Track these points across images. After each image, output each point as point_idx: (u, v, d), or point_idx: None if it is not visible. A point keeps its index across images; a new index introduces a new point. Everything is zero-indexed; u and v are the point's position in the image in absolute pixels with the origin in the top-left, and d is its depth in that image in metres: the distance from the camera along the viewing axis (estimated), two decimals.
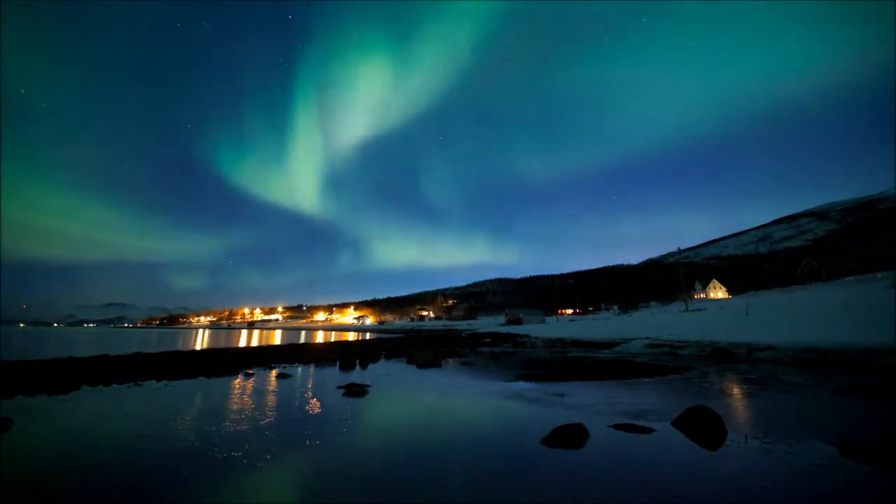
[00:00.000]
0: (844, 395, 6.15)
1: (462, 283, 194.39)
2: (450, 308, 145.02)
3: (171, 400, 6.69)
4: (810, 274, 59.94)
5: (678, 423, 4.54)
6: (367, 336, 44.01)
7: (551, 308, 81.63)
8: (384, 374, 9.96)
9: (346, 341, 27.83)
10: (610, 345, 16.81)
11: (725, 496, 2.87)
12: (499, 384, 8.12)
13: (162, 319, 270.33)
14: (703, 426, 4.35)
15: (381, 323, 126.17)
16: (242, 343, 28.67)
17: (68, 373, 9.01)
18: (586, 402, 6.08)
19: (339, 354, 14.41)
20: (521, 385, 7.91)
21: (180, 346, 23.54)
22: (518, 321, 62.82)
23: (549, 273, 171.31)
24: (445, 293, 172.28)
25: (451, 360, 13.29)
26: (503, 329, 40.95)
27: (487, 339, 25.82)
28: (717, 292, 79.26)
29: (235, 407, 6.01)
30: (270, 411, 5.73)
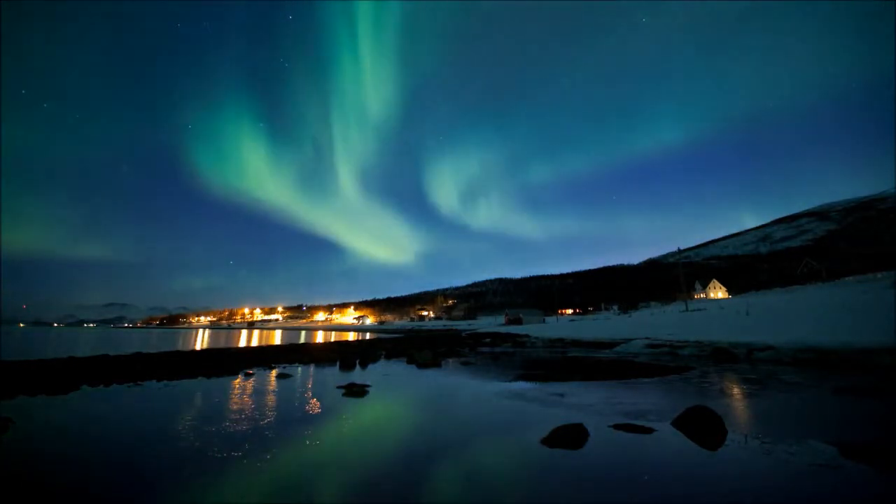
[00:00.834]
0: (844, 395, 6.15)
1: (462, 283, 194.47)
2: (450, 308, 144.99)
3: (171, 400, 6.69)
4: (810, 274, 59.94)
5: (678, 423, 4.54)
6: (367, 336, 44.00)
7: (551, 308, 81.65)
8: (384, 374, 9.96)
9: (346, 341, 27.83)
10: (610, 345, 16.81)
11: (725, 496, 2.87)
12: (499, 384, 8.11)
13: (162, 319, 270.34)
14: (703, 426, 4.35)
15: (381, 323, 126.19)
16: (242, 343, 28.67)
17: (68, 373, 9.01)
18: (586, 402, 6.08)
19: (339, 354, 14.41)
20: (521, 385, 7.90)
21: (180, 346, 23.55)
22: (518, 321, 62.84)
23: (549, 273, 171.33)
24: (445, 293, 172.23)
25: (451, 360, 13.29)
26: (503, 329, 40.96)
27: (487, 339, 25.82)
28: (717, 292, 79.26)
29: (235, 407, 6.01)
30: (270, 411, 5.73)
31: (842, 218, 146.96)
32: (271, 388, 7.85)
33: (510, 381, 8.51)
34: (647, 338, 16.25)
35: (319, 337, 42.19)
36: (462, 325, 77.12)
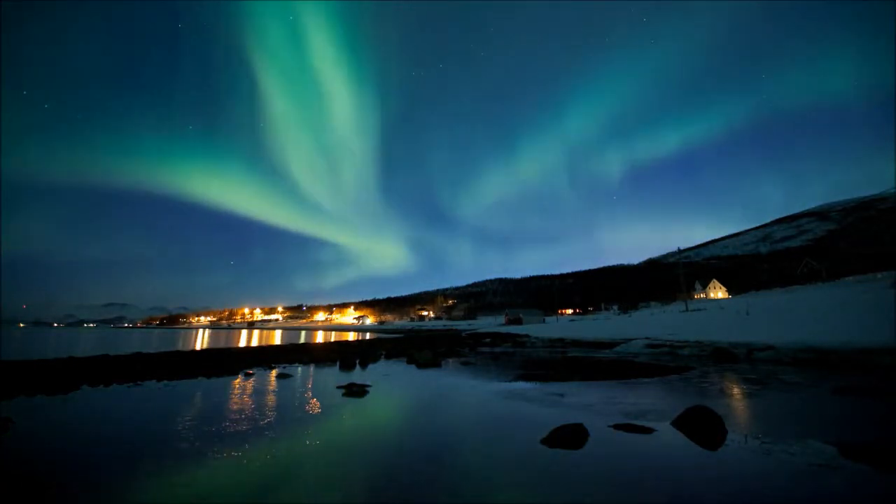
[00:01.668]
0: (844, 395, 6.15)
1: (462, 283, 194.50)
2: (450, 308, 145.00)
3: (171, 400, 6.69)
4: (810, 274, 59.93)
5: (678, 423, 4.54)
6: (367, 336, 44.01)
7: (551, 308, 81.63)
8: (384, 374, 9.96)
9: (346, 341, 27.83)
10: (610, 345, 16.81)
11: (725, 496, 2.87)
12: (499, 384, 8.11)
13: (162, 319, 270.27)
14: (703, 426, 4.35)
15: (381, 323, 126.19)
16: (242, 343, 28.67)
17: (68, 373, 9.01)
18: (586, 402, 6.08)
19: (339, 354, 14.41)
20: (521, 385, 7.90)
21: (180, 346, 23.55)
22: (518, 321, 62.84)
23: (549, 273, 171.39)
24: (445, 293, 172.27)
25: (451, 360, 13.29)
26: (503, 329, 40.96)
27: (487, 339, 25.82)
28: (717, 292, 79.26)
29: (235, 407, 6.01)
30: (270, 411, 5.73)
31: (842, 218, 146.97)
32: (271, 388, 7.85)
33: (510, 381, 8.51)
34: (647, 338, 16.25)
35: (319, 337, 42.19)
36: (462, 325, 77.11)
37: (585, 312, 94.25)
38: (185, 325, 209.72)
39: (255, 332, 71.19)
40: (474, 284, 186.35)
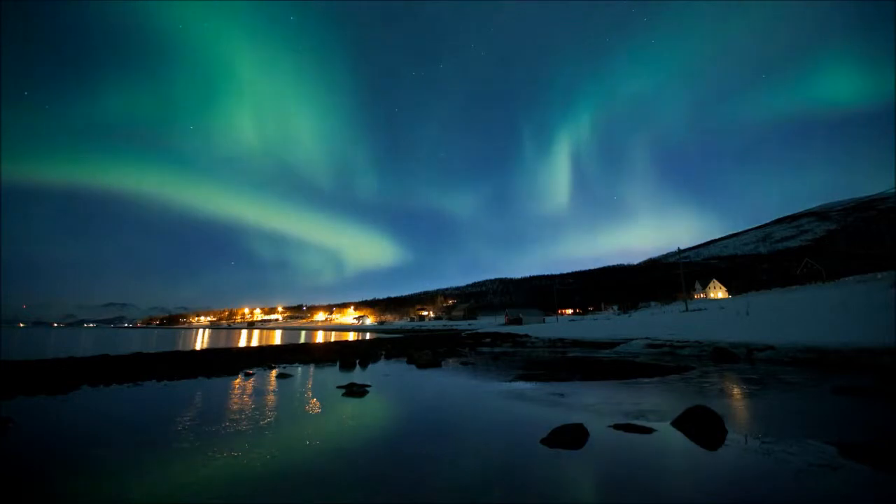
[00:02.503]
0: (844, 395, 6.15)
1: (462, 283, 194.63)
2: (450, 308, 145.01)
3: (171, 400, 6.69)
4: (810, 274, 59.88)
5: (678, 423, 4.54)
6: (367, 336, 43.99)
7: (551, 308, 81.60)
8: (384, 375, 9.96)
9: (346, 341, 27.82)
10: (610, 345, 16.80)
11: (725, 496, 2.87)
12: (499, 384, 8.11)
13: (162, 319, 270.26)
14: (703, 426, 4.35)
15: (381, 323, 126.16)
16: (242, 343, 28.66)
17: (68, 373, 9.01)
18: (586, 402, 6.08)
19: (339, 354, 14.41)
20: (521, 385, 7.90)
21: (180, 346, 23.54)
22: (518, 321, 62.80)
23: (549, 273, 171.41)
24: (445, 293, 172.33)
25: (451, 360, 13.29)
26: (503, 329, 40.94)
27: (487, 339, 25.81)
28: (717, 292, 79.26)
29: (235, 407, 6.01)
30: (270, 411, 5.73)
31: (842, 218, 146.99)
32: (271, 388, 7.85)
33: (510, 381, 8.51)
34: (647, 338, 16.25)
35: (319, 337, 42.18)
36: (462, 325, 77.08)
37: (585, 312, 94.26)
38: (185, 325, 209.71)
39: (255, 332, 71.17)
40: (474, 284, 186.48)
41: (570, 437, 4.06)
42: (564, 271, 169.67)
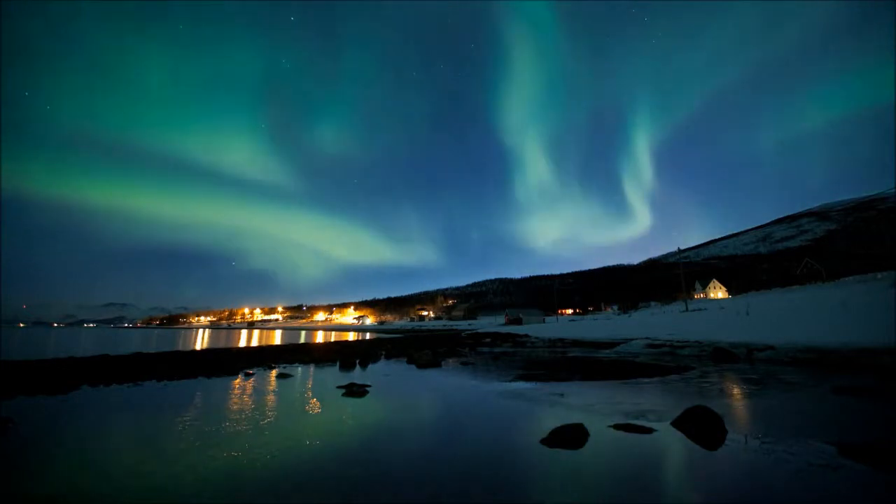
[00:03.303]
0: (844, 395, 6.15)
1: (462, 283, 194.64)
2: (450, 308, 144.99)
3: (171, 400, 6.69)
4: (810, 274, 59.87)
5: (678, 423, 4.54)
6: (367, 336, 43.98)
7: (551, 308, 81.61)
8: (384, 375, 9.95)
9: (346, 341, 27.81)
10: (610, 345, 16.80)
11: (725, 496, 2.87)
12: (499, 384, 8.11)
13: (162, 319, 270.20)
14: (703, 426, 4.35)
15: (381, 323, 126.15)
16: (242, 343, 28.65)
17: (68, 373, 9.01)
18: (586, 402, 6.08)
19: (339, 354, 14.41)
20: (521, 385, 7.90)
21: (180, 346, 23.54)
22: (518, 321, 62.79)
23: (549, 273, 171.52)
24: (445, 293, 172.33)
25: (451, 360, 13.29)
26: (503, 329, 40.92)
27: (487, 339, 25.80)
28: (717, 292, 79.25)
29: (235, 407, 6.01)
30: (270, 411, 5.73)
31: (842, 218, 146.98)
32: (271, 388, 7.85)
33: (510, 381, 8.51)
34: (647, 338, 16.25)
35: (319, 337, 42.17)
36: (462, 325, 77.04)
37: (585, 312, 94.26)
38: (185, 325, 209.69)
39: (255, 332, 71.17)
40: (474, 284, 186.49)
41: (570, 437, 4.07)
42: (564, 271, 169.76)
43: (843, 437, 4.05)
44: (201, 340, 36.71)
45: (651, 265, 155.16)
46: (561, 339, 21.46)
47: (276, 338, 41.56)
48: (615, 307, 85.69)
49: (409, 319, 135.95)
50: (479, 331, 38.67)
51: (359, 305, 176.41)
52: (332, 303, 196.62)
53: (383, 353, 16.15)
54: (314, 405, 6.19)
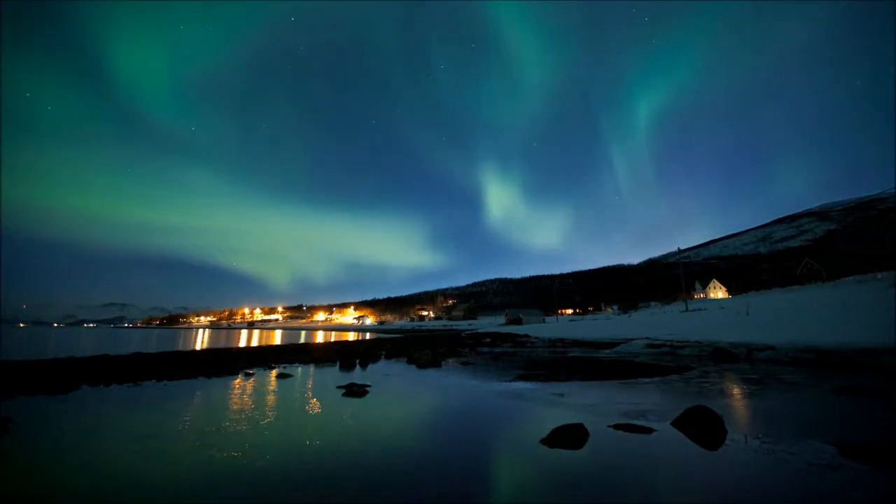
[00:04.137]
0: (844, 395, 6.15)
1: (462, 283, 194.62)
2: (450, 308, 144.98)
3: (171, 400, 6.69)
4: (810, 274, 59.87)
5: (678, 423, 4.54)
6: (367, 336, 43.99)
7: (551, 308, 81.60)
8: (384, 374, 9.95)
9: (346, 341, 27.81)
10: (610, 345, 16.80)
11: (725, 496, 2.87)
12: (499, 384, 8.11)
13: (162, 319, 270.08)
14: (703, 426, 4.35)
15: (381, 323, 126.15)
16: (242, 343, 28.65)
17: (68, 373, 9.01)
18: (586, 402, 6.08)
19: (339, 354, 14.41)
20: (521, 385, 7.90)
21: (180, 346, 23.53)
22: (518, 321, 62.79)
23: (549, 273, 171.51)
24: (445, 293, 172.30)
25: (451, 360, 13.29)
26: (503, 329, 40.92)
27: (487, 339, 25.80)
28: (717, 292, 79.24)
29: (235, 407, 6.01)
30: (270, 411, 5.73)
31: (842, 218, 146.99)
32: (271, 388, 7.84)
33: (510, 381, 8.51)
34: (647, 338, 16.25)
35: (319, 337, 42.18)
36: (462, 325, 77.04)
37: (585, 312, 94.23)
38: (185, 325, 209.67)
39: (255, 332, 71.17)
40: (474, 284, 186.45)
41: (570, 437, 4.06)
42: (564, 271, 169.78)
43: (843, 437, 4.05)
44: (201, 340, 36.71)
45: (651, 265, 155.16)
46: (561, 339, 21.47)
47: (276, 338, 41.56)
48: (615, 307, 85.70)
49: (409, 319, 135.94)
50: (479, 331, 38.67)
51: (359, 305, 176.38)
52: (332, 303, 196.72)
53: (383, 353, 16.15)
54: (314, 405, 6.19)
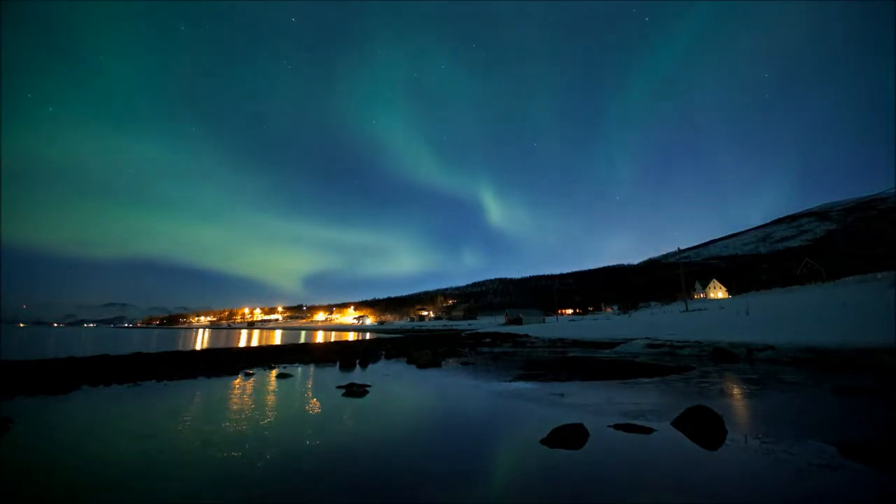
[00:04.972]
0: (844, 395, 6.15)
1: (462, 283, 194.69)
2: (450, 308, 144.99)
3: (171, 400, 6.69)
4: (810, 274, 59.89)
5: (678, 423, 4.54)
6: (367, 336, 43.98)
7: (551, 308, 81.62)
8: (384, 375, 9.95)
9: (346, 341, 27.81)
10: (610, 345, 16.80)
11: (725, 496, 2.87)
12: (499, 384, 8.11)
13: (162, 319, 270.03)
14: (703, 426, 4.35)
15: (381, 323, 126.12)
16: (242, 343, 28.65)
17: (68, 373, 9.01)
18: (586, 402, 6.08)
19: (339, 354, 14.40)
20: (521, 385, 7.90)
21: (180, 346, 23.53)
22: (518, 321, 62.79)
23: (549, 273, 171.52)
24: (445, 293, 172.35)
25: (451, 360, 13.28)
26: (503, 329, 40.92)
27: (487, 339, 25.80)
28: (717, 292, 79.25)
29: (235, 407, 6.01)
30: (270, 411, 5.73)
31: (842, 218, 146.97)
32: (271, 388, 7.84)
33: (510, 381, 8.51)
34: (647, 338, 16.25)
35: (319, 337, 42.17)
36: (462, 325, 77.03)
37: (585, 312, 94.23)
38: (185, 325, 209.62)
39: (255, 332, 71.16)
40: (474, 284, 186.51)
41: (570, 437, 4.06)
42: (564, 271, 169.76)
43: (843, 437, 4.05)
44: (201, 340, 36.71)
45: (651, 265, 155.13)
46: (561, 339, 21.47)
47: (276, 338, 41.56)
48: (615, 307, 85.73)
49: (409, 319, 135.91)
50: (479, 331, 38.66)
51: (359, 305, 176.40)
52: (332, 303, 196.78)
53: (383, 353, 16.15)
54: (314, 405, 6.19)
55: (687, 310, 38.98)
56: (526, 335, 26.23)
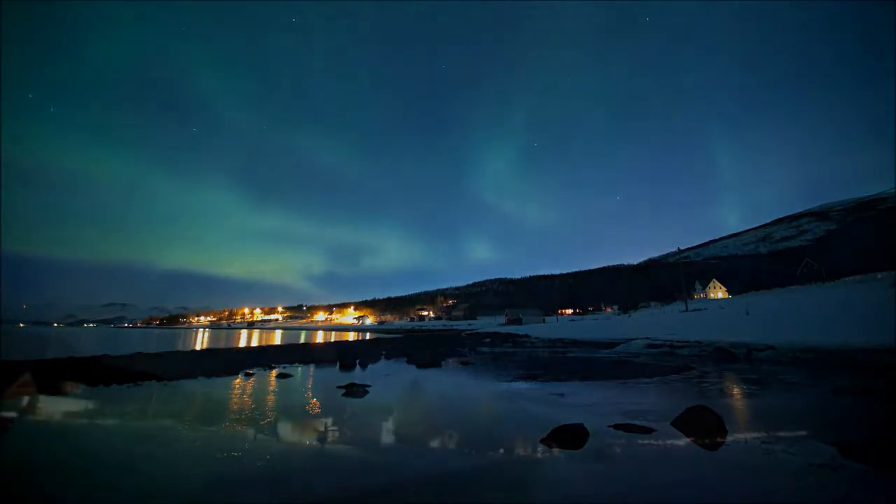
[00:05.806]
0: (844, 395, 6.14)
1: (462, 283, 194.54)
2: (450, 308, 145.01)
3: (171, 400, 6.69)
4: (810, 274, 59.91)
5: (678, 423, 4.53)
6: (367, 336, 43.98)
7: (551, 308, 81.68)
8: (384, 374, 9.95)
9: (346, 341, 27.82)
10: (610, 345, 16.80)
11: (725, 496, 2.87)
12: (499, 384, 8.11)
13: (162, 319, 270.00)
14: (703, 426, 4.34)
15: (381, 323, 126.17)
16: (242, 343, 28.64)
17: (68, 373, 9.00)
18: (586, 402, 6.08)
19: (339, 354, 14.40)
20: (521, 385, 7.90)
21: (180, 346, 23.52)
22: (518, 321, 62.80)
23: (549, 273, 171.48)
24: (445, 293, 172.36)
25: (450, 360, 13.28)
26: (503, 329, 40.93)
27: (487, 339, 25.80)
28: (717, 292, 79.30)
29: (235, 407, 6.01)
30: (270, 411, 5.73)
31: (842, 218, 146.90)
32: (271, 388, 7.84)
33: (510, 381, 8.51)
34: (647, 338, 16.26)
35: (319, 337, 42.16)
36: (462, 325, 77.01)
37: (585, 312, 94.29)
38: (185, 325, 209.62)
39: (255, 332, 71.15)
40: (474, 284, 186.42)
41: (570, 437, 4.06)
42: (564, 271, 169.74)
43: (843, 437, 4.04)
44: (201, 340, 36.70)
45: (651, 265, 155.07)
46: (561, 339, 21.48)
47: (276, 338, 41.55)
48: (615, 307, 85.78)
49: (408, 319, 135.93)
50: (479, 331, 38.67)
51: (359, 305, 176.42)
52: (331, 303, 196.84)
53: (383, 353, 16.15)
54: (314, 405, 6.19)
55: (687, 310, 38.99)
56: (526, 335, 26.24)
